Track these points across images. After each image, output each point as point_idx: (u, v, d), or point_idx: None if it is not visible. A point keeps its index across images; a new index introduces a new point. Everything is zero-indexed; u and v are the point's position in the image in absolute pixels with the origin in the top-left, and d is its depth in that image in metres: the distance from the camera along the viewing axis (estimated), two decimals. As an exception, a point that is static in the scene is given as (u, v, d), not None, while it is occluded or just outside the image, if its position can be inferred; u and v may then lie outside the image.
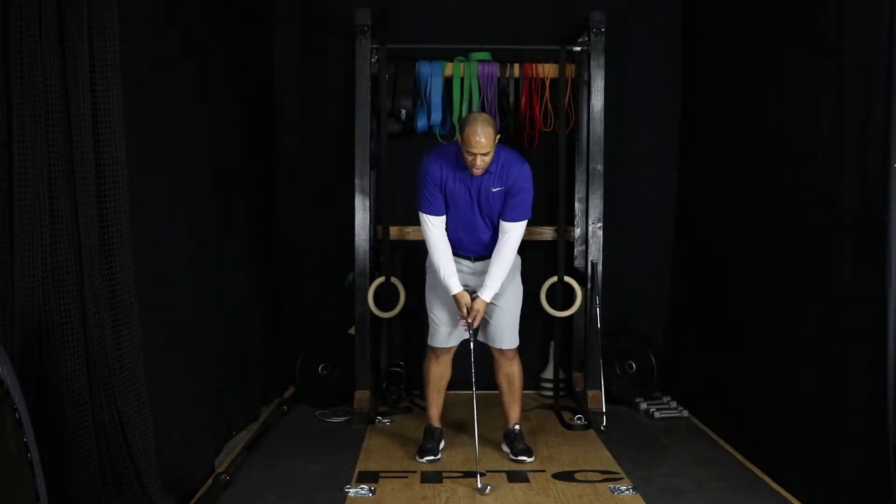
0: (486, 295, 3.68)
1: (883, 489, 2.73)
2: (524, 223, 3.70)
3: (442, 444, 3.91)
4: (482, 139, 3.44)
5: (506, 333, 3.83)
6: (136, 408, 2.74)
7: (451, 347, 3.87)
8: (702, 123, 4.68)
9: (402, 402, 4.75)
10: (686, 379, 4.69)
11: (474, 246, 3.79)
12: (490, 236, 3.75)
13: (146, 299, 2.85)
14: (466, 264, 3.82)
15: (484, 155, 3.48)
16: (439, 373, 3.90)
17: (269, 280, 4.85)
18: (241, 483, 3.46)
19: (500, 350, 3.84)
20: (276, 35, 4.97)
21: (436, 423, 3.93)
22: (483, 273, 3.74)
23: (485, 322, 3.83)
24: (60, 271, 2.55)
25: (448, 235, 3.73)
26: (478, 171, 3.54)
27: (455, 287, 3.69)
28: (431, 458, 3.78)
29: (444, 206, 3.68)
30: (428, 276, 3.89)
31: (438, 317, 3.83)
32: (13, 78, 2.45)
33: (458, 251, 3.78)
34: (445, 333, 3.84)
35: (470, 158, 3.49)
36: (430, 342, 3.89)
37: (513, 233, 3.67)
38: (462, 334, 3.84)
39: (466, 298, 3.70)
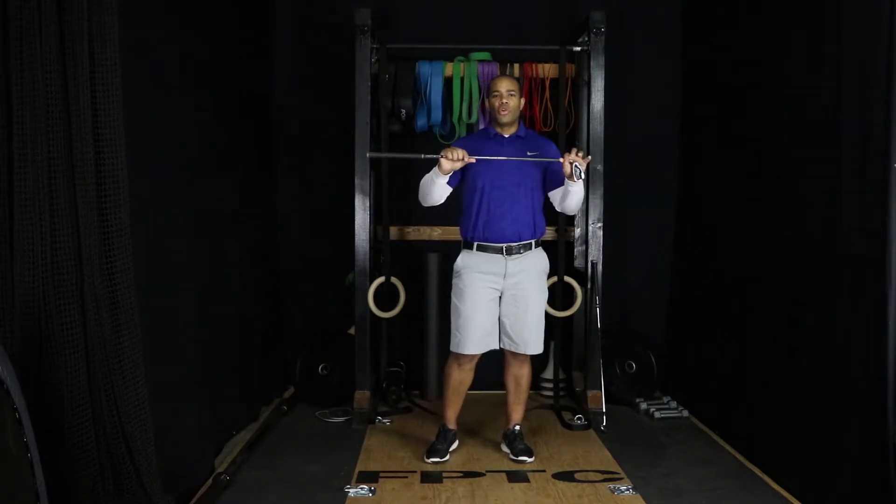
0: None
1: (883, 489, 2.73)
2: None
3: (453, 447, 3.87)
4: (505, 80, 3.73)
5: (532, 340, 3.74)
6: (136, 408, 2.73)
7: (476, 355, 3.75)
8: (702, 124, 4.68)
9: (402, 402, 4.75)
10: (686, 379, 4.69)
11: (513, 226, 3.63)
12: (530, 217, 3.66)
13: (146, 299, 2.85)
14: (497, 263, 3.64)
15: (510, 94, 3.67)
16: (460, 378, 3.80)
17: (269, 280, 4.85)
18: (241, 483, 3.46)
19: (515, 354, 3.79)
20: (275, 35, 4.97)
21: (451, 424, 3.88)
22: (518, 272, 3.65)
23: (508, 325, 3.72)
24: (60, 271, 2.55)
25: (484, 219, 3.63)
26: (505, 114, 3.67)
27: (440, 171, 3.51)
28: (437, 459, 3.75)
29: (458, 180, 3.67)
30: (454, 282, 3.75)
31: (466, 324, 3.67)
32: (13, 78, 2.45)
33: (491, 238, 3.63)
34: (473, 341, 3.69)
35: (497, 103, 3.68)
36: (454, 349, 3.75)
37: None
38: (489, 343, 3.73)
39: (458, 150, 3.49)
